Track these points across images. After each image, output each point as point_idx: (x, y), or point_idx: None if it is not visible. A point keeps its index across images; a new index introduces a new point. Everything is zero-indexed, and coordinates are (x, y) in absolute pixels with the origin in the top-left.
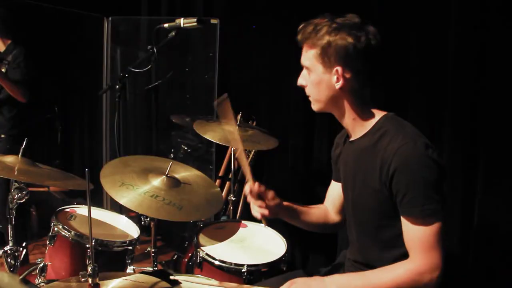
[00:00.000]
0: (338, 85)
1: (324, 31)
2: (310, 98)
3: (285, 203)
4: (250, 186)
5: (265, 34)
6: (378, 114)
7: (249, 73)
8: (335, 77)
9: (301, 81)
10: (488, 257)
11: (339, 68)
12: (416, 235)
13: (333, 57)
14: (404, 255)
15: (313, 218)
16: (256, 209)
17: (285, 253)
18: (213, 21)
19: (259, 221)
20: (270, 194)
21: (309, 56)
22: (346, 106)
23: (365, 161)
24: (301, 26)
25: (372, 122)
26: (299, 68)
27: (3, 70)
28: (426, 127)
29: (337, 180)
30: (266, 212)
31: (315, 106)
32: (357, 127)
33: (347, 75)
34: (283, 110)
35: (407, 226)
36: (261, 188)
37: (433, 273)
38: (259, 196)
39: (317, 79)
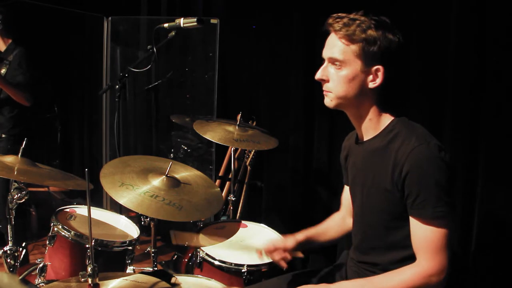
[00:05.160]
0: (373, 85)
1: (366, 26)
2: (330, 94)
3: (299, 237)
4: (265, 254)
5: (265, 34)
6: (391, 116)
7: (249, 73)
8: (371, 76)
9: (321, 75)
10: (488, 257)
11: (380, 67)
12: (425, 237)
13: (376, 55)
14: (411, 256)
15: (332, 234)
16: (281, 261)
17: None
18: (213, 21)
19: (259, 221)
20: (283, 244)
21: (345, 50)
22: (368, 106)
23: (376, 162)
24: (334, 16)
25: (384, 124)
26: (299, 68)
27: (3, 70)
28: (426, 127)
29: (348, 185)
30: (288, 258)
31: (333, 103)
32: (370, 128)
33: (384, 76)
34: (283, 110)
35: (416, 227)
36: (271, 248)
37: (440, 276)
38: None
39: (352, 75)
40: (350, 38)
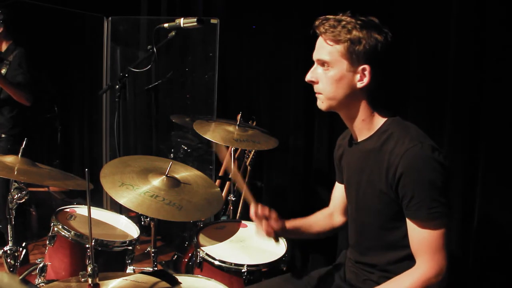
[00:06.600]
0: (360, 84)
1: (351, 26)
2: (320, 96)
3: (288, 224)
4: (254, 209)
5: (265, 34)
6: (384, 117)
7: (249, 73)
8: (358, 76)
9: (311, 76)
10: (488, 257)
11: (366, 67)
12: (422, 238)
13: (362, 54)
14: (408, 256)
15: (318, 228)
16: (262, 229)
17: (285, 253)
18: (213, 21)
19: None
20: (274, 215)
21: (331, 51)
22: (359, 106)
23: (370, 163)
24: (321, 18)
25: (378, 124)
26: (299, 68)
27: (3, 70)
28: (426, 127)
29: (340, 182)
30: (271, 230)
31: (325, 104)
32: (364, 129)
33: (371, 75)
34: (283, 110)
35: (413, 229)
36: (265, 211)
37: (439, 276)
38: (264, 217)
39: (339, 75)
40: (335, 39)
